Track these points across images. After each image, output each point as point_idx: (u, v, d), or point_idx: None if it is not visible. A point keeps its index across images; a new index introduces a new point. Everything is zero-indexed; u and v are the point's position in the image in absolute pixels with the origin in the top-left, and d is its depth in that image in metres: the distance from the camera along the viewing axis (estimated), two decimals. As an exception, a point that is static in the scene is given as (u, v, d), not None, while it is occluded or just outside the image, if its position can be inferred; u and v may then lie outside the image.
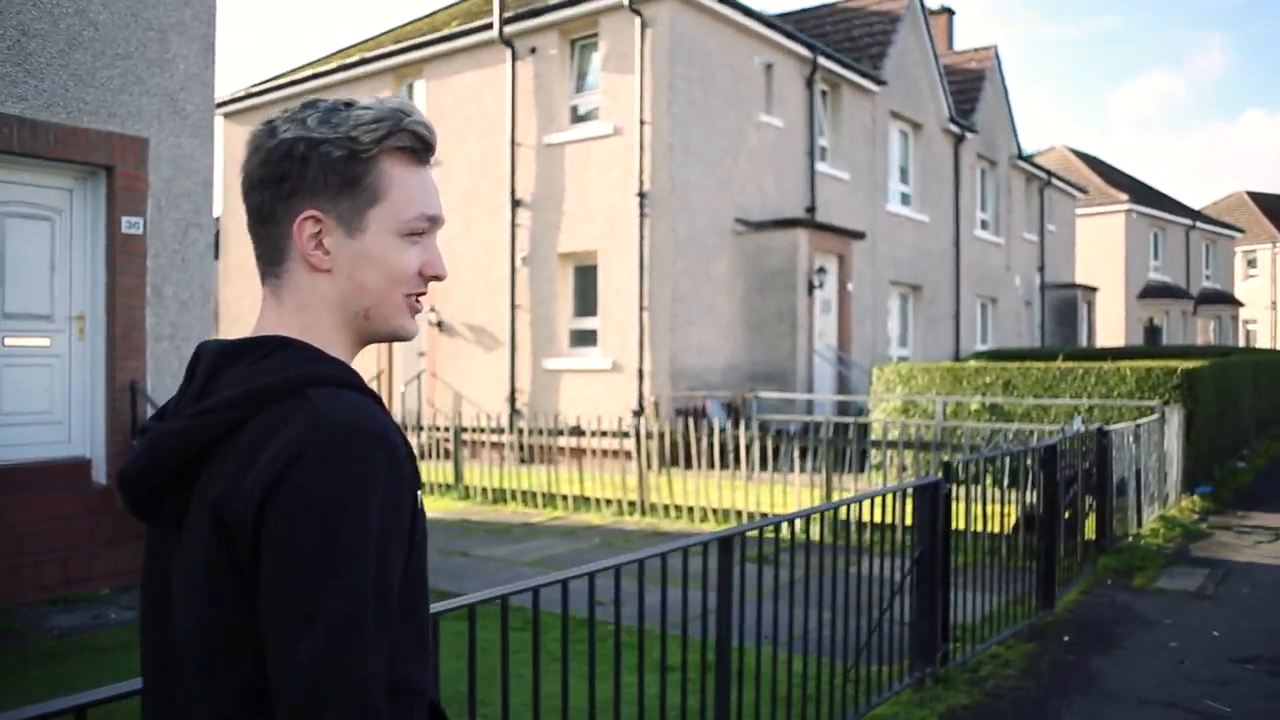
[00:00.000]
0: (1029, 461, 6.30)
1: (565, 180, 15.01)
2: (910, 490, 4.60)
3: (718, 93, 14.92)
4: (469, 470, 11.48)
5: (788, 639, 4.39)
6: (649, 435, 10.04)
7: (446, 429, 11.96)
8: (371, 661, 1.00)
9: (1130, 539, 8.27)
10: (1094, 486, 7.47)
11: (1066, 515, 7.22)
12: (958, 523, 6.12)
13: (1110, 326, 33.80)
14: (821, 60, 16.87)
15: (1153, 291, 35.93)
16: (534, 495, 10.60)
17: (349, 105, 1.18)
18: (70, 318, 7.99)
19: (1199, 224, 39.80)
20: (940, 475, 4.73)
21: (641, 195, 14.07)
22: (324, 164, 1.15)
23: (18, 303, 7.59)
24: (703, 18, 14.57)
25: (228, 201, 18.70)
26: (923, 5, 20.85)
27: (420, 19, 19.32)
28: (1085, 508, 7.37)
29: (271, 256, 1.20)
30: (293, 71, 19.14)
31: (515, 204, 15.44)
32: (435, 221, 1.23)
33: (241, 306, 19.11)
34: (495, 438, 11.58)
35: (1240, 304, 41.29)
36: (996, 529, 6.60)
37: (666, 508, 9.71)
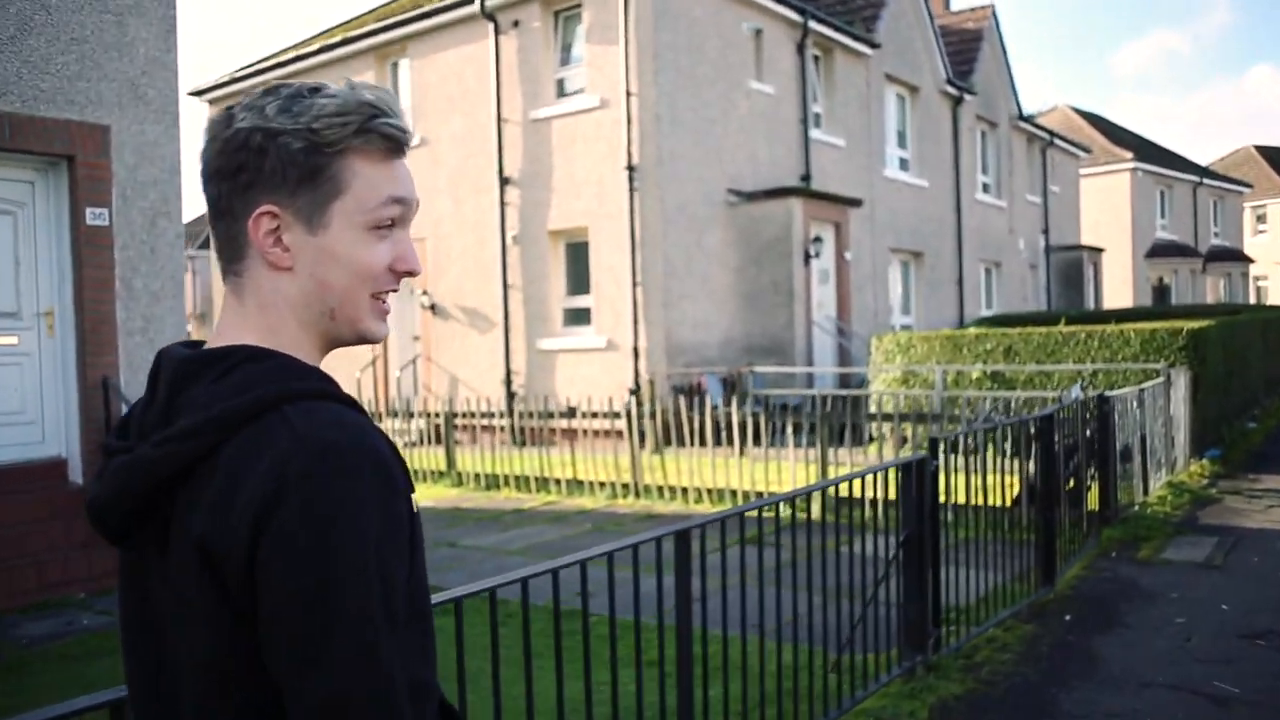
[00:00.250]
0: (1026, 431, 6.04)
1: (553, 156, 14.70)
2: (895, 468, 4.35)
3: (705, 61, 14.56)
4: (461, 456, 11.28)
5: (775, 626, 4.19)
6: (640, 415, 9.80)
7: (438, 415, 11.74)
8: (396, 682, 0.97)
9: (1136, 508, 8.02)
10: (1096, 455, 7.21)
11: (1069, 485, 6.98)
12: (957, 496, 5.89)
13: (1118, 288, 33.38)
14: (812, 24, 16.47)
15: (1160, 250, 35.46)
16: (527, 480, 10.39)
17: (314, 91, 1.10)
18: (38, 314, 7.77)
19: (1206, 180, 39.24)
20: (926, 451, 4.47)
21: (630, 168, 13.77)
22: (282, 156, 1.07)
23: (-19, 300, 7.37)
24: (688, -16, 14.19)
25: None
26: (916, -35, 20.37)
27: (404, -4, 18.94)
28: (1088, 478, 7.12)
29: (230, 253, 1.12)
30: (276, 55, 18.83)
31: (504, 182, 15.15)
32: (405, 205, 1.13)
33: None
34: (486, 422, 11.36)
35: (1250, 260, 40.75)
36: (997, 502, 6.38)
37: (661, 489, 9.49)
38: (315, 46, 17.57)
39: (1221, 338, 11.53)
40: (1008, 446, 6.28)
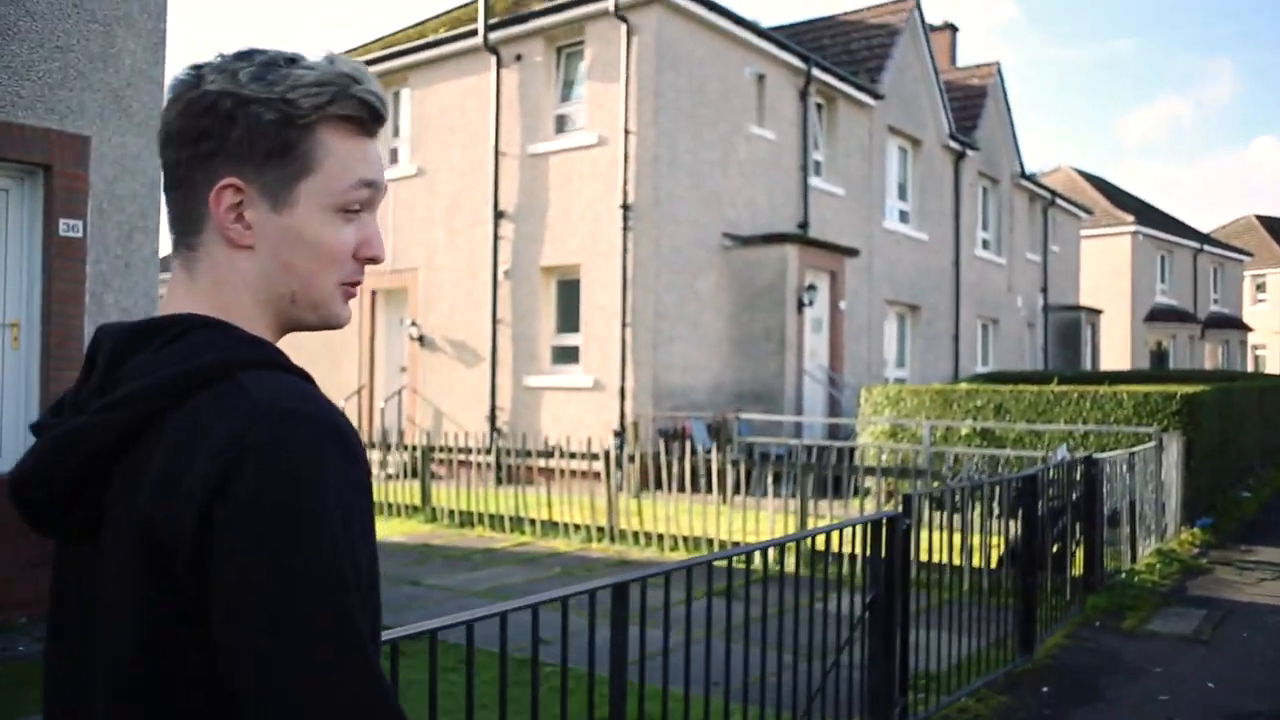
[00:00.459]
0: (1009, 491, 5.83)
1: (549, 191, 14.61)
2: (865, 525, 4.12)
3: (706, 103, 14.52)
4: (436, 492, 11.02)
5: (742, 686, 3.96)
6: (618, 459, 9.57)
7: (413, 449, 11.50)
8: (377, 667, 0.88)
9: (1123, 575, 7.77)
10: (1083, 519, 6.98)
11: (1055, 549, 6.75)
12: (937, 555, 5.66)
13: (1115, 350, 33.26)
14: (816, 72, 16.48)
15: (1159, 315, 35.39)
16: (501, 519, 10.13)
17: (292, 61, 1.02)
18: (4, 325, 7.58)
19: (1207, 247, 39.29)
20: (899, 509, 4.25)
21: (625, 207, 13.66)
22: (252, 126, 0.99)
23: (-57, 309, 7.18)
24: (691, 26, 14.19)
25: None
26: (923, 20, 20.47)
27: (410, 27, 19.00)
28: (1073, 542, 6.88)
29: (184, 226, 1.04)
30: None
31: (498, 215, 15.04)
32: (375, 189, 1.07)
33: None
34: (463, 457, 11.12)
35: (1249, 329, 40.69)
36: (980, 562, 6.15)
37: (636, 534, 9.23)
38: (318, 73, 17.54)
39: (1217, 404, 11.34)
40: (994, 505, 6.07)
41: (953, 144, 21.47)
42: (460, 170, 15.61)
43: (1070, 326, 28.02)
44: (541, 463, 10.86)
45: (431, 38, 15.94)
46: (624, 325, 13.61)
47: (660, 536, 9.08)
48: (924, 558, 5.87)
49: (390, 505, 11.17)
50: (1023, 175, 25.55)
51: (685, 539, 8.91)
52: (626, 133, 13.68)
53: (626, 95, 13.68)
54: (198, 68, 1.03)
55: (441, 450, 11.38)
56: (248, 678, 0.86)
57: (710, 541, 8.72)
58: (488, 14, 15.00)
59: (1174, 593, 7.57)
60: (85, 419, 0.95)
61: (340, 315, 1.09)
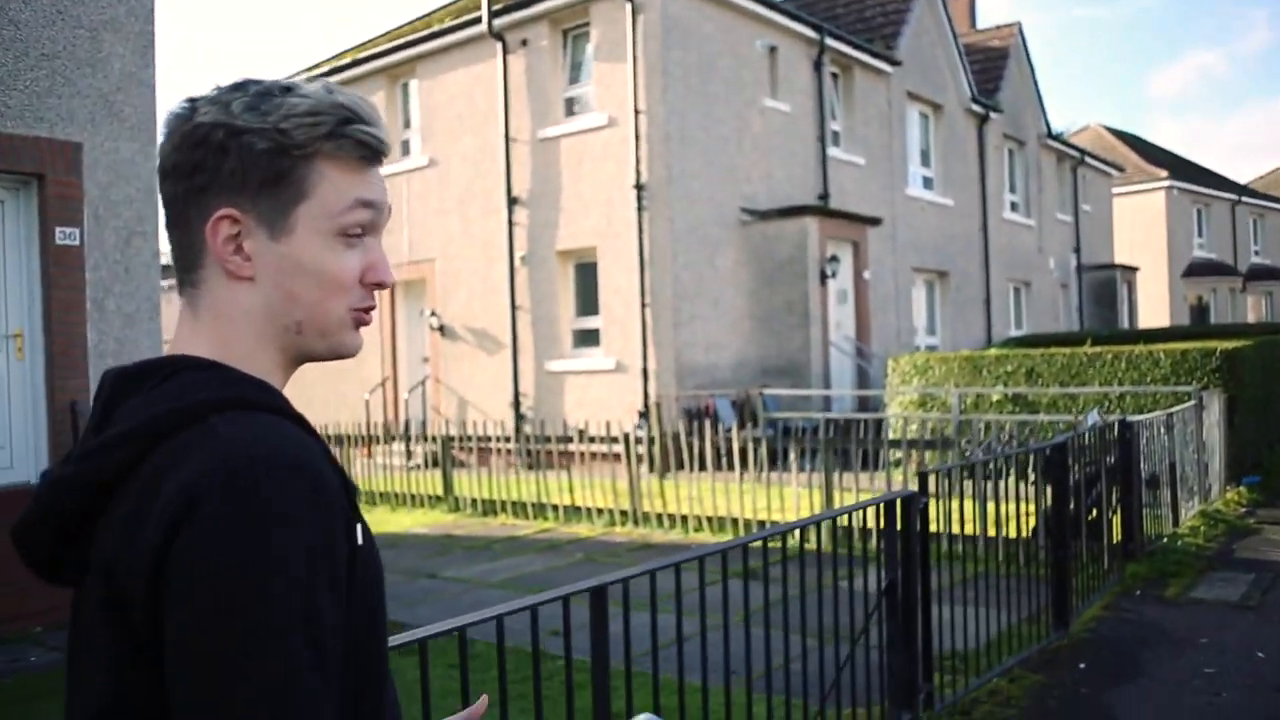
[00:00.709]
0: (1040, 460, 5.55)
1: (561, 175, 14.39)
2: (878, 505, 3.88)
3: (717, 78, 14.21)
4: (459, 481, 10.89)
5: (764, 672, 3.76)
6: (639, 441, 9.38)
7: (434, 439, 11.39)
8: None
9: (1165, 540, 7.45)
10: (1119, 484, 6.68)
11: (1091, 517, 6.47)
12: (969, 526, 5.42)
13: (1154, 307, 32.51)
14: (829, 41, 16.08)
15: (1198, 269, 34.54)
16: (524, 506, 9.99)
17: (286, 90, 1.01)
18: (7, 336, 7.50)
19: (1245, 198, 38.26)
20: (914, 487, 4.01)
21: (639, 187, 13.41)
22: (244, 157, 0.98)
23: (-54, 323, 7.12)
24: (697, 1, 13.87)
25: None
26: (939, -20, 19.95)
27: (417, 19, 18.83)
28: (1110, 509, 6.59)
29: (186, 261, 1.03)
30: (289, 78, 18.74)
31: (512, 202, 14.85)
32: (375, 210, 1.04)
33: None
34: (483, 445, 10.98)
35: (1292, 279, 39.60)
36: (1012, 533, 5.89)
37: (659, 517, 9.04)
38: (325, 69, 17.46)
39: (1260, 358, 10.91)
40: (1029, 473, 5.81)
41: (975, 107, 20.95)
42: (471, 159, 15.44)
43: (1105, 285, 27.39)
44: (563, 447, 10.70)
45: (436, 27, 15.74)
46: (643, 306, 13.40)
47: (684, 518, 8.88)
48: (955, 529, 5.65)
49: (413, 496, 11.08)
50: (1049, 135, 24.93)
51: (709, 519, 8.71)
52: (636, 112, 13.42)
53: (634, 74, 13.41)
54: (192, 100, 1.02)
55: (460, 440, 11.26)
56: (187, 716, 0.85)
57: (735, 521, 8.51)
58: (491, 0, 14.76)
59: (1219, 556, 7.24)
60: (72, 467, 0.95)
61: (350, 344, 1.06)
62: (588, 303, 14.39)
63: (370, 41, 18.31)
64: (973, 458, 5.60)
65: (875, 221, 16.34)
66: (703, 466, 9.15)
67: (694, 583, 3.36)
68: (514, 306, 14.83)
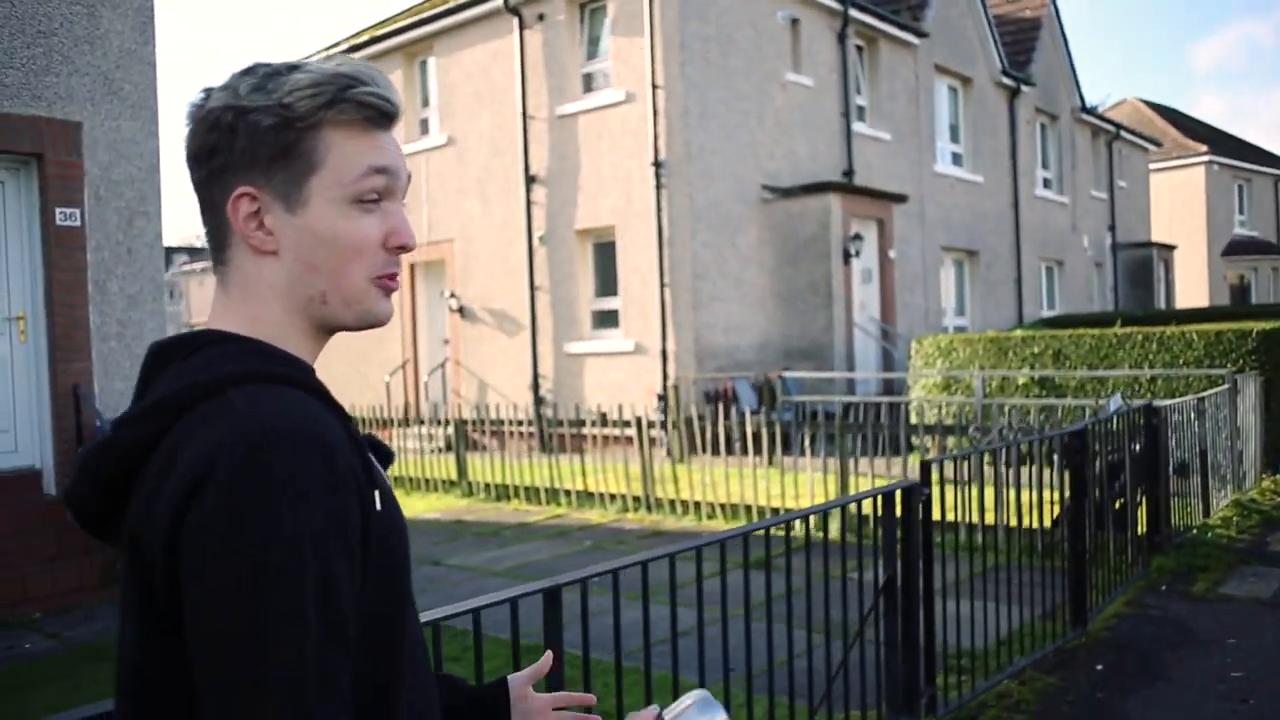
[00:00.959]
0: (1057, 447, 5.29)
1: (580, 153, 14.15)
2: (875, 498, 3.66)
3: (737, 52, 13.88)
4: (472, 465, 10.76)
5: (765, 668, 3.57)
6: (651, 425, 9.19)
7: (448, 421, 11.26)
8: (317, 698, 0.86)
9: (1195, 531, 7.15)
10: (1145, 472, 6.39)
11: (1116, 507, 6.19)
12: (989, 517, 5.17)
13: (1192, 287, 31.75)
14: (854, 12, 15.68)
15: (1238, 248, 33.68)
16: (537, 491, 9.84)
17: (292, 69, 1.03)
18: (10, 318, 7.44)
19: (1288, 173, 37.21)
20: (915, 478, 3.77)
21: (657, 164, 13.15)
22: (252, 134, 1.01)
23: (-53, 305, 7.05)
24: (717, -29, 13.53)
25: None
26: (969, -51, 19.41)
27: (437, -6, 18.59)
28: (1135, 499, 6.31)
29: (216, 241, 1.06)
30: (303, 58, 18.62)
31: (529, 180, 14.64)
32: (391, 175, 1.04)
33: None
34: (495, 429, 10.84)
35: (1337, 256, 38.53)
36: (1033, 523, 5.65)
37: (673, 503, 8.85)
38: (344, 47, 17.31)
39: (1298, 339, 10.49)
40: (1051, 460, 5.54)
41: (1006, 80, 20.42)
42: (489, 137, 15.23)
43: (1142, 264, 26.75)
44: (575, 431, 10.53)
45: (453, 3, 15.50)
46: (662, 286, 13.17)
47: (697, 504, 8.69)
48: (972, 519, 5.41)
49: (427, 480, 10.97)
50: (1084, 109, 24.29)
51: (723, 506, 8.51)
52: (654, 87, 13.14)
53: (652, 49, 13.13)
54: (207, 89, 1.06)
55: (474, 424, 11.12)
56: (202, 696, 0.87)
57: (748, 509, 8.30)
58: (508, -27, 14.51)
59: (1253, 549, 6.93)
60: (107, 436, 1.00)
61: (378, 311, 1.07)
62: (607, 283, 14.18)
63: (389, 20, 18.12)
64: (980, 445, 5.32)
65: (901, 199, 15.96)
66: (720, 450, 8.94)
67: (693, 574, 3.19)
68: (533, 287, 14.66)
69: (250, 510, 0.87)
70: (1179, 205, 32.75)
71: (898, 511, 3.62)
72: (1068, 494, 5.25)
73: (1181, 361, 9.69)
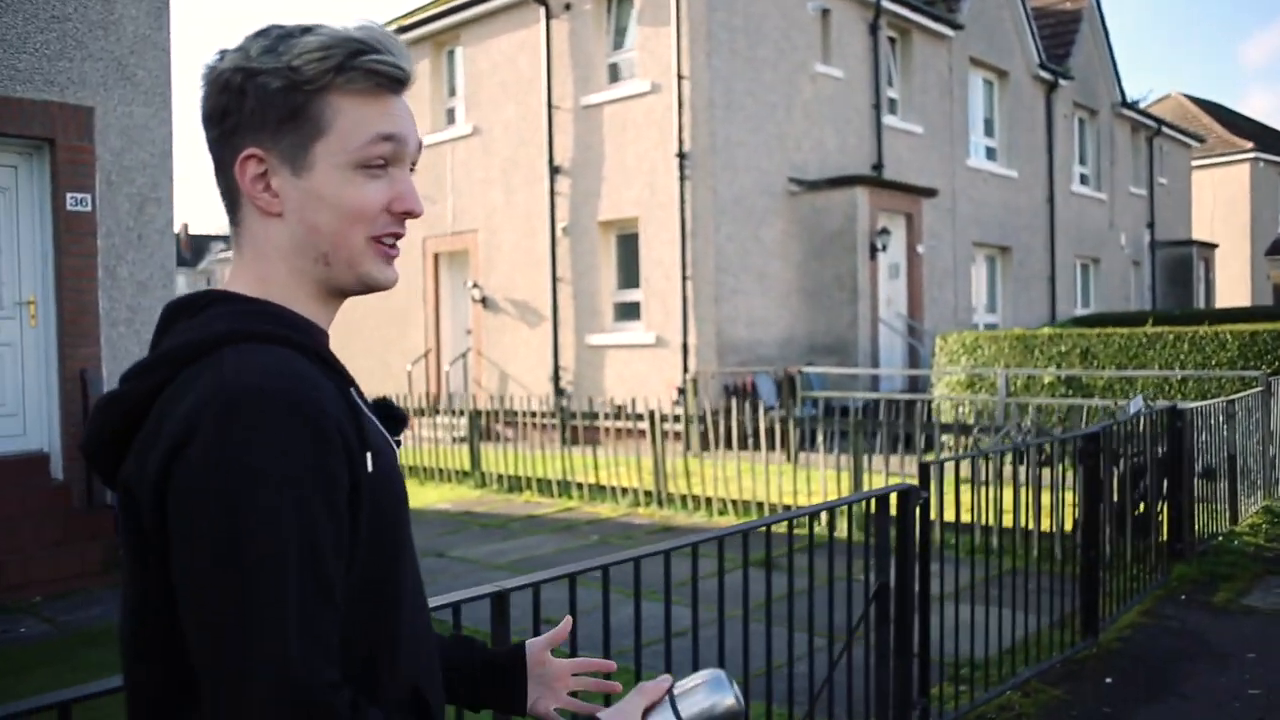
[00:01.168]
0: (1076, 450, 5.09)
1: (604, 144, 14.02)
2: (868, 501, 3.50)
3: (765, 42, 13.66)
4: (486, 456, 10.68)
5: (764, 671, 3.44)
6: (664, 419, 9.05)
7: (462, 412, 11.19)
8: (297, 645, 0.87)
9: (1220, 539, 6.90)
10: (1168, 477, 6.16)
11: (1138, 511, 5.97)
12: (1005, 518, 4.98)
13: (1233, 287, 31.04)
14: (886, 3, 15.40)
15: (1283, 247, 32.85)
16: (549, 484, 9.74)
17: (305, 31, 1.03)
18: (20, 303, 7.45)
19: (1338, 172, 36.21)
20: (912, 481, 3.60)
21: (681, 156, 12.99)
22: (261, 96, 1.02)
23: (-41, 289, 7.07)
24: (745, -41, 13.32)
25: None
26: (1007, -61, 19.01)
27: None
28: (1158, 504, 6.08)
29: (228, 203, 1.08)
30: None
31: (554, 171, 14.53)
32: (398, 143, 1.05)
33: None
34: (509, 420, 10.76)
35: (1386, 258, 37.48)
36: (1051, 527, 5.45)
37: (684, 499, 8.71)
38: (373, 35, 17.28)
39: (1339, 342, 10.13)
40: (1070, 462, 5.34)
41: (1043, 74, 20.00)
42: (514, 127, 15.15)
43: (1181, 263, 26.15)
44: (589, 423, 10.42)
45: (481, -9, 15.42)
46: (684, 279, 13.02)
47: (709, 500, 8.54)
48: (988, 521, 5.22)
49: (440, 471, 10.91)
50: (1124, 104, 23.75)
51: (735, 503, 8.36)
52: (680, 78, 12.98)
53: (678, 38, 12.96)
54: (222, 51, 1.06)
55: (489, 415, 11.04)
56: (191, 641, 0.90)
57: (760, 505, 8.15)
58: (534, -38, 14.40)
59: (1280, 558, 6.67)
60: (115, 389, 1.02)
61: (378, 275, 1.07)
62: (629, 275, 14.05)
63: (418, 9, 18.07)
64: (985, 448, 5.12)
65: (930, 193, 15.67)
66: (731, 446, 8.79)
67: (690, 572, 3.06)
68: (555, 278, 14.56)
69: (231, 463, 0.88)
70: (1222, 203, 32.01)
71: (893, 515, 3.46)
72: (1081, 499, 5.05)
73: (1214, 363, 9.39)
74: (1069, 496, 5.60)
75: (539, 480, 9.85)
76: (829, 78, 14.74)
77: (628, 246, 14.07)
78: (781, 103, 13.94)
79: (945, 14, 17.00)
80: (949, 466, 4.47)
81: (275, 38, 1.03)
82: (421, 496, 10.04)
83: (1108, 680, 4.47)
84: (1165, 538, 6.16)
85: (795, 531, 3.27)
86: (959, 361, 11.08)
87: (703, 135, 12.94)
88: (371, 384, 15.58)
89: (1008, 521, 5.54)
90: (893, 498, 3.50)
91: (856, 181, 13.95)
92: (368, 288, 1.08)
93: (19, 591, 6.57)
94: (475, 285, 15.76)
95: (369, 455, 0.98)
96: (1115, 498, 5.67)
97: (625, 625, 3.08)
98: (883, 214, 14.30)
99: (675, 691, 1.19)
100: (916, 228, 15.34)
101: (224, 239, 56.33)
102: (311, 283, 1.06)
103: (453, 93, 16.62)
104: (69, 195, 7.32)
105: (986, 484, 5.19)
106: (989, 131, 19.28)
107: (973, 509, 5.33)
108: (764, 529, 3.31)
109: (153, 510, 0.93)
